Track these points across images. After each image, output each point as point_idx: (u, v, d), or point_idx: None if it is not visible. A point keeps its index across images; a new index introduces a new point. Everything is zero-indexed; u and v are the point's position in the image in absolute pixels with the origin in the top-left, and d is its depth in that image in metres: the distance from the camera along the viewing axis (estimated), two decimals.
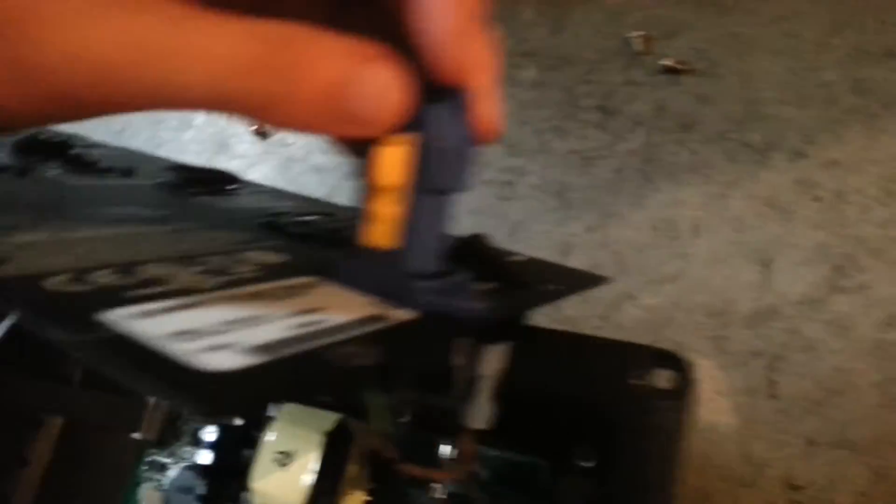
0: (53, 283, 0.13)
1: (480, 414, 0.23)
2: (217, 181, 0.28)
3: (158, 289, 0.14)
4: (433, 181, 0.16)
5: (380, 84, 0.14)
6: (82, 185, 0.24)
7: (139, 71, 0.12)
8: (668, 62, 0.34)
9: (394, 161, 0.16)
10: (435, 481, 0.21)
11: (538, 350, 0.23)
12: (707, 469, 0.30)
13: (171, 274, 0.15)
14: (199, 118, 0.47)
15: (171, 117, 0.47)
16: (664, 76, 0.35)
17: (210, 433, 0.33)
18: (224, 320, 0.13)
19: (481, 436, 0.23)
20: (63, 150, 0.27)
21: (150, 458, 0.37)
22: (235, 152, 0.44)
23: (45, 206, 0.20)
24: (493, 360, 0.23)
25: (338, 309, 0.15)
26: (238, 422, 0.34)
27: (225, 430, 0.33)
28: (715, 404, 0.31)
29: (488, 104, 0.16)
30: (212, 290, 0.15)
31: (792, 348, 0.30)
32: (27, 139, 0.25)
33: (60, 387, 0.36)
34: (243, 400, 0.10)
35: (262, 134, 0.44)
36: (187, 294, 0.14)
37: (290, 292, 0.16)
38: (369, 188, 0.17)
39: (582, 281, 0.24)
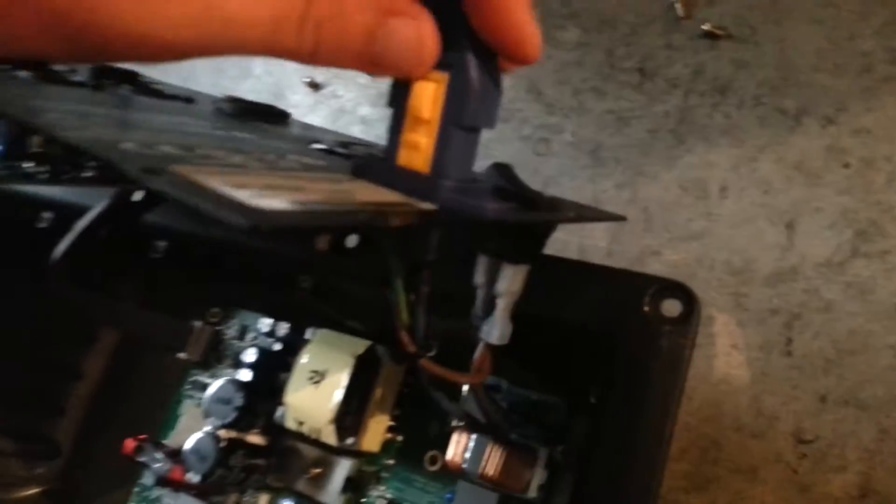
0: (127, 146, 0.15)
1: (497, 330, 0.24)
2: (270, 114, 0.30)
3: (214, 161, 0.16)
4: (460, 117, 0.18)
5: (403, 35, 0.16)
6: (149, 103, 0.27)
7: (205, 41, 0.14)
8: (707, 27, 0.35)
9: (425, 96, 0.18)
10: (451, 382, 0.23)
11: (556, 278, 0.25)
12: (719, 419, 0.31)
13: (225, 156, 0.17)
14: (259, 68, 0.49)
15: (232, 67, 0.49)
16: (703, 41, 0.35)
17: (250, 355, 0.36)
18: (270, 185, 0.15)
19: (497, 352, 0.25)
20: (133, 78, 0.29)
21: (192, 378, 0.40)
22: (290, 102, 0.46)
23: (115, 110, 0.22)
24: (511, 279, 0.24)
25: (367, 193, 0.17)
26: (277, 346, 0.36)
27: (264, 353, 0.36)
28: (730, 358, 0.32)
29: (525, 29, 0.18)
30: (259, 170, 0.17)
31: (810, 308, 0.31)
32: (102, 66, 0.28)
33: (117, 303, 0.39)
34: (291, 227, 0.12)
35: (314, 85, 0.47)
36: (238, 167, 0.16)
37: (328, 180, 0.18)
38: (406, 118, 0.19)
39: (598, 214, 0.25)
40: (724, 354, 0.32)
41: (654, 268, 0.34)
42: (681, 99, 0.35)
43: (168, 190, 0.12)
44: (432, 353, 0.22)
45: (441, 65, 0.18)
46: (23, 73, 0.24)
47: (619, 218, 0.24)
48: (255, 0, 0.14)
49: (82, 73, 0.27)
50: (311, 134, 0.31)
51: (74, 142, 0.15)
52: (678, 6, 0.36)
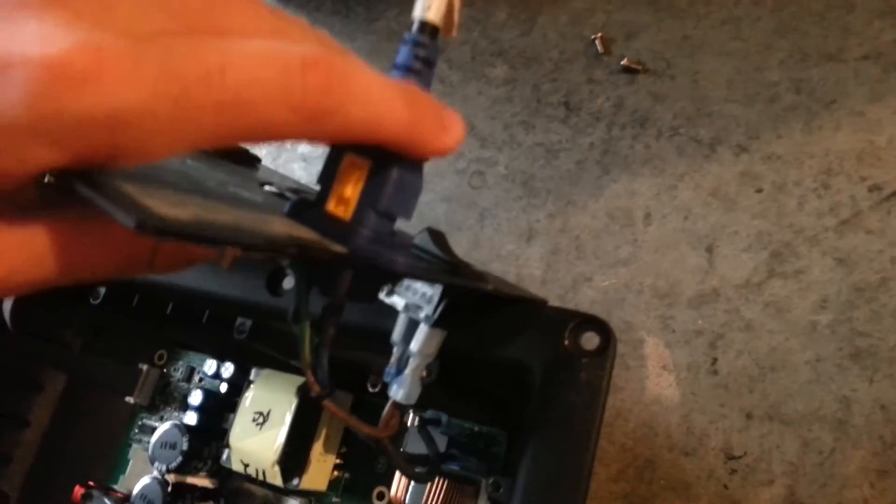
0: None
1: (404, 391, 0.24)
2: (242, 157, 0.31)
3: (148, 178, 0.16)
4: (376, 204, 0.19)
5: None
6: None
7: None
8: (625, 62, 0.37)
9: (349, 177, 0.19)
10: (353, 427, 0.23)
11: (486, 318, 0.26)
12: (652, 438, 0.32)
13: (160, 174, 0.18)
14: None
15: None
16: (623, 75, 0.37)
17: (196, 397, 0.36)
18: (184, 201, 0.15)
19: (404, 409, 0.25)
20: None
21: (141, 422, 0.40)
22: None
23: None
24: (425, 341, 0.25)
25: (284, 228, 0.18)
26: (222, 388, 0.37)
27: (209, 395, 0.36)
28: (661, 379, 0.33)
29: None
30: (186, 190, 0.17)
31: (732, 328, 0.32)
32: None
33: (64, 348, 0.39)
34: (176, 233, 0.13)
35: None
36: (171, 184, 0.17)
37: (251, 210, 0.19)
38: (335, 181, 0.20)
39: (518, 291, 0.26)
40: (656, 375, 0.33)
41: (587, 294, 0.35)
42: (604, 131, 0.37)
43: (79, 188, 0.13)
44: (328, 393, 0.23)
45: (365, 151, 0.19)
46: None
47: (539, 301, 0.25)
48: None
49: None
50: (269, 177, 0.32)
51: None
52: (598, 43, 0.37)
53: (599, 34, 0.37)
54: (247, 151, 0.30)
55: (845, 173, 0.32)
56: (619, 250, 0.35)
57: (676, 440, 0.32)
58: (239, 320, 0.31)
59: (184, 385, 0.40)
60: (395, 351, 0.25)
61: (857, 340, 0.30)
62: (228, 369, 0.36)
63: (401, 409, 0.25)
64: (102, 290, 0.34)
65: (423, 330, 0.24)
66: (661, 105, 0.36)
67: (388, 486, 0.33)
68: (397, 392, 0.24)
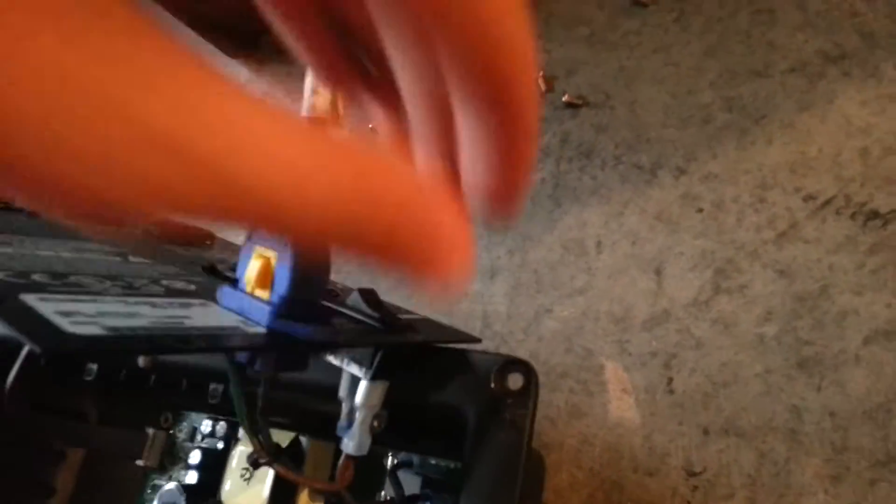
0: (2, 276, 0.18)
1: (354, 442, 0.26)
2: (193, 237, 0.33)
3: (76, 289, 0.19)
4: (283, 290, 0.21)
5: None
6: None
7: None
8: (566, 98, 0.38)
9: (257, 268, 0.22)
10: (307, 485, 0.25)
11: (419, 365, 0.27)
12: (618, 461, 0.33)
13: (93, 283, 0.20)
14: None
15: None
16: (566, 110, 0.38)
17: (195, 457, 0.38)
18: (104, 311, 0.18)
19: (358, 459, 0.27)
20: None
21: (153, 483, 0.43)
22: None
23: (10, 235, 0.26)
24: (367, 394, 0.27)
25: (206, 319, 0.20)
26: (219, 445, 0.39)
27: (207, 454, 0.38)
28: (622, 402, 0.34)
29: None
30: (114, 295, 0.20)
31: (684, 347, 0.33)
32: None
33: (73, 423, 0.42)
34: (85, 350, 0.15)
35: None
36: (94, 294, 0.19)
37: (177, 306, 0.21)
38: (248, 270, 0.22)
39: (453, 335, 0.28)
40: (617, 399, 0.34)
41: (548, 325, 0.36)
42: (553, 165, 0.38)
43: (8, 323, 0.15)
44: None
45: (271, 243, 0.22)
46: None
47: (473, 339, 0.27)
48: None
49: None
50: (213, 257, 0.34)
51: None
52: (539, 81, 0.39)
53: (541, 73, 0.39)
54: (200, 231, 0.33)
55: (780, 186, 0.33)
56: (574, 280, 0.36)
57: (640, 461, 0.33)
58: (212, 386, 0.33)
59: (188, 444, 0.42)
60: (344, 406, 0.27)
61: (803, 349, 0.31)
62: (223, 428, 0.39)
63: (354, 460, 0.27)
64: (94, 367, 0.37)
65: (363, 385, 0.26)
66: (604, 135, 0.37)
67: None
68: (348, 445, 0.26)
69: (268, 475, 0.34)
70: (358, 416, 0.26)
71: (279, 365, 0.23)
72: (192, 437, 0.42)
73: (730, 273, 0.33)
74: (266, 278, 0.23)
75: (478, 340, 0.27)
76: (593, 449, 0.34)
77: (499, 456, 0.25)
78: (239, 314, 0.22)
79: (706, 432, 0.32)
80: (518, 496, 0.24)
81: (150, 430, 0.43)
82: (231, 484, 0.35)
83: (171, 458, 0.43)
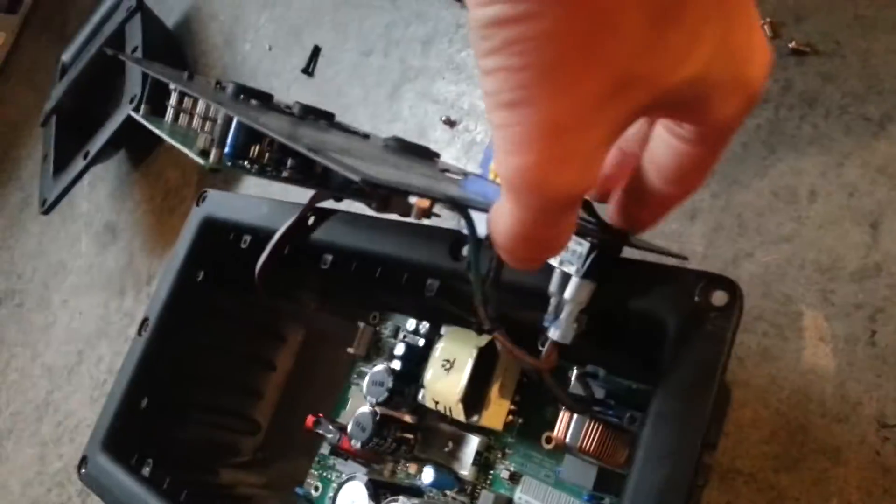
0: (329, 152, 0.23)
1: (560, 331, 0.29)
2: (424, 152, 0.38)
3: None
4: None
5: None
6: (338, 133, 0.36)
7: None
8: (794, 45, 0.38)
9: None
10: (518, 358, 0.28)
11: (626, 276, 0.29)
12: (805, 405, 0.34)
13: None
14: (406, 112, 0.58)
15: (385, 112, 0.59)
16: (791, 57, 0.38)
17: (400, 349, 0.43)
18: (390, 171, 0.22)
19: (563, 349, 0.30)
20: (329, 116, 0.38)
21: (358, 369, 0.49)
22: (431, 138, 0.54)
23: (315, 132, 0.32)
24: (577, 291, 0.29)
25: (454, 190, 0.24)
26: (420, 342, 0.43)
27: (410, 347, 0.43)
28: (818, 350, 0.34)
29: None
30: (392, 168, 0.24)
31: (893, 302, 0.33)
32: (305, 106, 0.37)
33: (301, 308, 0.49)
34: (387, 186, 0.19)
35: (450, 123, 0.54)
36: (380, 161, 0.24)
37: (434, 181, 0.25)
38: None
39: (662, 249, 0.30)
40: (812, 346, 0.34)
41: (747, 269, 0.37)
42: (772, 112, 0.38)
43: (332, 163, 0.20)
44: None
45: None
46: (253, 102, 0.34)
47: (681, 257, 0.29)
48: None
49: (294, 108, 0.37)
50: (445, 166, 0.38)
51: (287, 143, 0.23)
52: (766, 28, 0.39)
53: (769, 19, 0.39)
54: (428, 149, 0.37)
55: None
56: (781, 227, 0.36)
57: (830, 407, 0.33)
58: (428, 281, 0.37)
59: (391, 340, 0.48)
60: (552, 301, 0.30)
61: None
62: (425, 327, 0.43)
63: (558, 347, 0.30)
64: (329, 258, 0.43)
65: (574, 281, 0.29)
66: (831, 85, 0.37)
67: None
68: (554, 333, 0.29)
69: (466, 367, 0.38)
70: (566, 309, 0.29)
71: None
72: (394, 335, 0.48)
73: None
74: None
75: (685, 258, 0.29)
76: (781, 391, 0.35)
77: (697, 365, 0.26)
78: (482, 197, 0.26)
79: None
80: (712, 405, 0.26)
81: (361, 324, 0.49)
82: (432, 373, 0.39)
83: (376, 350, 0.48)
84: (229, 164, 0.35)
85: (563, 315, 0.29)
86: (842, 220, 0.35)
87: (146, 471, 0.43)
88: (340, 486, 0.40)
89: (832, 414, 0.33)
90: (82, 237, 0.80)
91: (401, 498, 0.38)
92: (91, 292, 0.74)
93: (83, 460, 0.45)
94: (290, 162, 0.37)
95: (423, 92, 0.59)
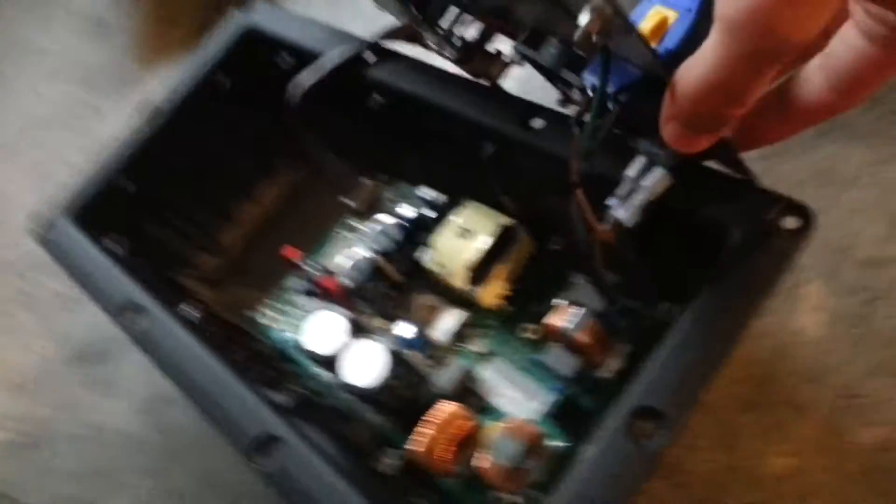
0: None
1: (626, 213, 0.29)
2: None
3: None
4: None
5: None
6: None
7: None
8: None
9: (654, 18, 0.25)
10: (589, 217, 0.28)
11: (703, 181, 0.30)
12: (781, 359, 0.36)
13: None
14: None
15: None
16: None
17: (409, 211, 0.43)
18: None
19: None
20: None
21: (347, 222, 0.47)
22: None
23: None
24: (657, 181, 0.30)
25: None
26: (431, 214, 0.42)
27: (421, 214, 0.42)
28: (810, 316, 0.37)
29: None
30: None
31: (891, 294, 0.36)
32: None
33: (320, 141, 0.46)
34: None
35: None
36: None
37: None
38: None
39: (744, 170, 0.30)
40: (806, 313, 0.37)
41: None
42: None
43: None
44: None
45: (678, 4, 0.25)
46: None
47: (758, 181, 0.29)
48: None
49: None
50: None
51: None
52: None
53: None
54: None
55: None
56: (813, 202, 0.38)
57: (804, 367, 0.36)
58: (486, 143, 0.37)
59: (392, 204, 0.47)
60: (625, 184, 0.30)
61: None
62: (441, 199, 0.43)
63: (617, 229, 0.30)
64: (378, 98, 0.41)
65: (658, 170, 0.29)
66: None
67: (540, 326, 0.38)
68: (620, 212, 0.29)
69: (486, 240, 0.38)
70: (639, 195, 0.30)
71: (633, 101, 0.27)
72: (396, 202, 0.47)
73: None
74: (658, 32, 0.26)
75: (757, 184, 0.30)
76: (763, 341, 0.37)
77: (756, 274, 0.27)
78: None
79: (878, 367, 0.35)
80: (754, 312, 0.27)
81: (367, 180, 0.48)
82: (445, 236, 0.39)
83: (372, 210, 0.47)
84: None
85: (634, 200, 0.30)
86: (870, 211, 0.38)
87: (116, 248, 0.41)
88: (307, 317, 0.39)
89: (804, 374, 0.36)
90: (64, 24, 0.73)
91: (380, 338, 0.37)
92: (57, 79, 0.68)
93: (46, 218, 0.42)
94: None
95: None
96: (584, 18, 0.23)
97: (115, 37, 0.69)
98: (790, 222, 0.28)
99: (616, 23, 0.23)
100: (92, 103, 0.65)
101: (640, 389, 0.27)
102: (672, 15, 0.26)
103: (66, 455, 0.46)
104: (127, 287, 0.37)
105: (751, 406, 0.36)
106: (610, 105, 0.28)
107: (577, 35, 0.23)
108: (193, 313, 0.38)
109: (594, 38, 0.23)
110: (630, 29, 0.23)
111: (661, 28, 0.26)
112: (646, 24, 0.26)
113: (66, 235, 0.41)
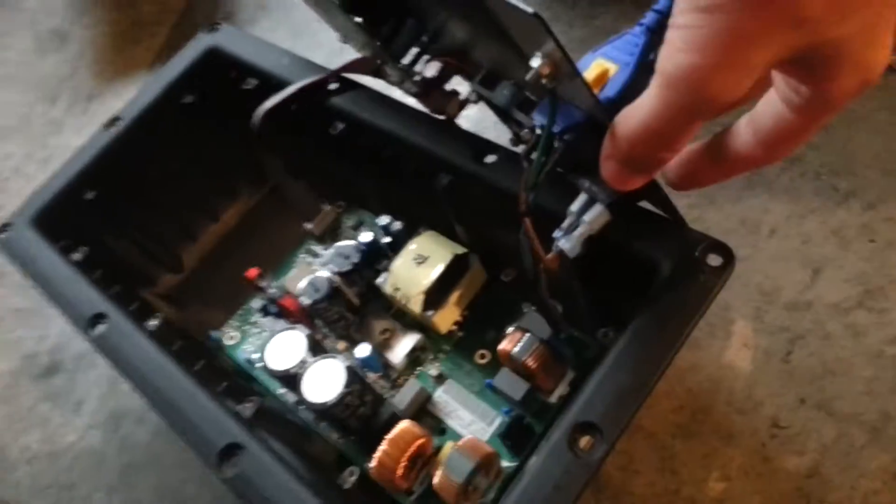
0: None
1: (569, 245, 0.31)
2: None
3: None
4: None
5: None
6: None
7: None
8: None
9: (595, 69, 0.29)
10: (534, 246, 0.30)
11: (639, 220, 0.33)
12: (714, 393, 0.39)
13: None
14: None
15: None
16: None
17: (366, 236, 0.44)
18: None
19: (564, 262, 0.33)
20: None
21: (307, 247, 0.49)
22: None
23: None
24: (597, 217, 0.32)
25: None
26: (386, 239, 0.45)
27: (374, 241, 0.44)
28: (739, 352, 0.40)
29: None
30: None
31: (813, 334, 0.39)
32: None
33: (284, 163, 0.48)
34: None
35: None
36: None
37: None
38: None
39: (674, 212, 0.33)
40: (736, 348, 0.40)
41: None
42: None
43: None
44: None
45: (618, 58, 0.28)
46: None
47: (684, 223, 0.33)
48: None
49: None
50: None
51: None
52: None
53: None
54: None
55: None
56: (739, 249, 0.42)
57: (735, 400, 0.38)
58: (441, 175, 0.39)
59: (350, 231, 0.48)
60: (568, 219, 0.32)
61: None
62: (396, 226, 0.45)
63: (561, 258, 0.32)
64: (340, 125, 0.43)
65: (598, 207, 0.32)
66: (814, 152, 0.44)
67: (491, 353, 0.40)
68: (564, 244, 0.32)
69: (439, 266, 0.40)
70: (580, 229, 0.32)
71: (576, 141, 0.29)
72: (356, 227, 0.49)
73: (877, 296, 0.39)
74: (600, 81, 0.29)
75: (685, 224, 0.33)
76: (698, 375, 0.40)
77: (681, 305, 0.30)
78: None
79: (802, 401, 0.38)
80: (680, 342, 0.29)
81: (327, 206, 0.49)
82: (402, 262, 0.41)
83: (332, 235, 0.49)
84: None
85: (577, 233, 0.32)
86: (791, 259, 0.41)
87: (77, 256, 0.41)
88: (274, 334, 0.41)
89: (735, 405, 0.38)
90: (21, 32, 0.73)
91: (338, 356, 0.39)
92: (15, 88, 0.68)
93: (7, 225, 0.42)
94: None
95: None
96: (535, 62, 0.25)
97: (73, 49, 0.70)
98: (714, 259, 0.31)
99: (564, 68, 0.26)
100: (49, 115, 0.65)
101: (579, 406, 0.29)
102: (612, 67, 0.29)
103: (25, 470, 0.45)
104: (91, 295, 0.38)
105: (686, 434, 0.38)
106: (556, 143, 0.30)
107: (528, 75, 0.26)
108: (156, 325, 0.39)
109: (544, 80, 0.26)
110: (576, 75, 0.26)
111: (602, 78, 0.29)
112: (589, 74, 0.29)
113: (28, 242, 0.41)
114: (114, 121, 0.46)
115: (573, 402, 0.29)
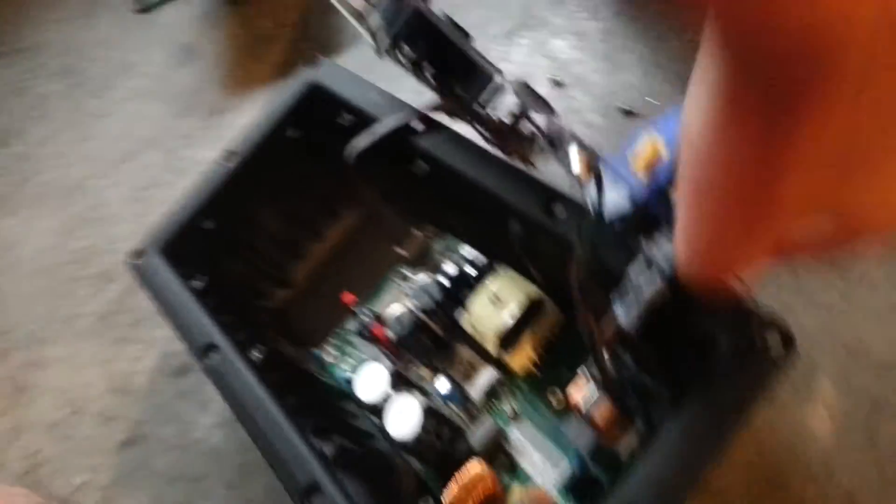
0: None
1: (627, 319, 0.32)
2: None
3: None
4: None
5: None
6: None
7: None
8: None
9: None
10: (587, 319, 0.31)
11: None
12: (788, 456, 0.38)
13: None
14: (516, 56, 0.60)
15: (496, 48, 0.61)
16: None
17: (451, 267, 0.47)
18: None
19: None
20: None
21: (400, 269, 0.52)
22: None
23: None
24: (650, 283, 0.32)
25: None
26: (471, 270, 0.46)
27: (459, 271, 0.46)
28: (818, 412, 0.38)
29: None
30: None
31: None
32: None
33: (378, 192, 0.51)
34: None
35: (557, 84, 0.57)
36: None
37: None
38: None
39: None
40: (815, 410, 0.38)
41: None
42: None
43: None
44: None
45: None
46: None
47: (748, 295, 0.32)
48: None
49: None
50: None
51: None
52: None
53: None
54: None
55: None
56: (831, 297, 0.40)
57: (808, 467, 0.37)
58: (511, 222, 0.40)
59: (439, 257, 0.51)
60: (625, 280, 0.32)
61: None
62: (481, 260, 0.46)
63: (618, 330, 0.33)
64: (422, 164, 0.45)
65: (655, 275, 0.32)
66: None
67: (565, 393, 0.41)
68: (622, 317, 0.32)
69: (515, 309, 0.42)
70: (638, 299, 0.32)
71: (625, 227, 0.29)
72: (444, 252, 0.51)
73: None
74: (652, 165, 0.29)
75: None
76: (773, 434, 0.39)
77: (735, 392, 0.30)
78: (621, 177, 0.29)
79: (882, 477, 0.36)
80: (740, 424, 0.29)
81: (417, 232, 0.52)
82: (479, 302, 0.43)
83: (422, 259, 0.51)
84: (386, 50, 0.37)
85: (634, 305, 0.32)
86: (887, 316, 0.39)
87: (197, 284, 0.46)
88: (362, 362, 0.44)
89: (808, 473, 0.37)
90: (157, 47, 0.80)
91: (416, 393, 0.42)
92: (153, 101, 0.75)
93: (141, 252, 0.48)
94: (427, 67, 0.39)
95: (539, 43, 0.61)
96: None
97: (201, 63, 0.75)
98: (776, 345, 0.30)
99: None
100: (182, 128, 0.72)
101: (627, 491, 0.30)
102: (663, 148, 0.29)
103: (158, 457, 0.53)
104: (206, 325, 0.43)
105: (760, 499, 0.38)
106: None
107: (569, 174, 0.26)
108: (259, 355, 0.44)
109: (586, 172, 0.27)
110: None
111: (654, 160, 0.29)
112: (641, 150, 0.29)
113: (157, 269, 0.47)
114: (230, 154, 0.50)
115: (620, 485, 0.30)
